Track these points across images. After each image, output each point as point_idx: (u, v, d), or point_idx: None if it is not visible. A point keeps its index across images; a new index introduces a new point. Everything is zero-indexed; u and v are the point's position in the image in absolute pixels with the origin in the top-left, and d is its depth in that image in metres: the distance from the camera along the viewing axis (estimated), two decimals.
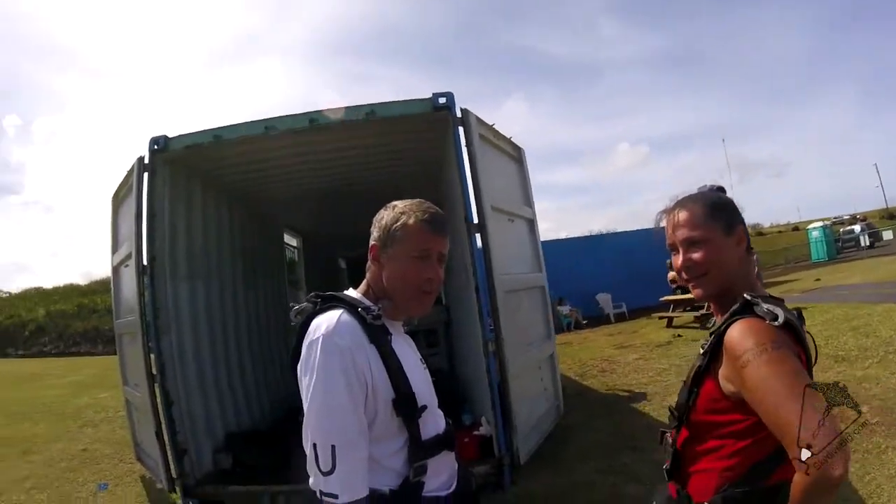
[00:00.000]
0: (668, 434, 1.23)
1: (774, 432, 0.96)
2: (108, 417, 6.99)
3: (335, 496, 1.07)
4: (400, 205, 1.25)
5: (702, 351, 1.13)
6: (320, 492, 1.08)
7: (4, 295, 23.21)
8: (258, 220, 5.76)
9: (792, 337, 1.05)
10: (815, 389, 1.03)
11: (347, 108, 3.31)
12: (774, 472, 1.03)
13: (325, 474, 1.07)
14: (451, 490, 1.26)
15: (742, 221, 1.20)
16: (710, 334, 1.12)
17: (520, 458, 3.33)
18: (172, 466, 3.59)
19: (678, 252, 1.20)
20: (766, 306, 1.05)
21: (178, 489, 3.62)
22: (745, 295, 1.08)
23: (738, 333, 1.04)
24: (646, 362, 6.75)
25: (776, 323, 1.01)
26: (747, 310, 1.07)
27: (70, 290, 22.17)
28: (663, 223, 1.25)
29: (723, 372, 1.07)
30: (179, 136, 3.62)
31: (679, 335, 8.24)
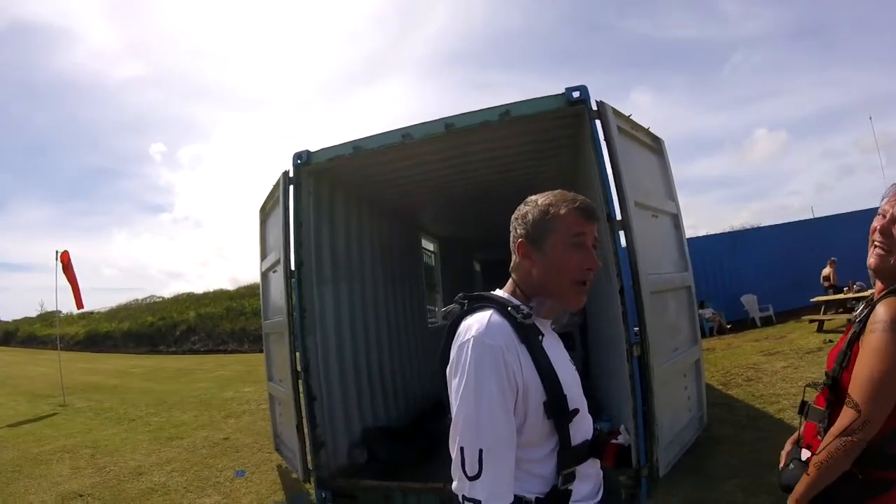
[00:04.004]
0: (814, 402, 1.36)
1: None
2: (251, 410, 7.43)
3: (478, 502, 1.02)
4: (541, 198, 1.19)
5: (857, 320, 1.25)
6: (463, 496, 1.04)
7: (159, 300, 25.12)
8: (397, 225, 5.99)
9: None
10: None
11: (482, 111, 3.30)
12: None
13: (471, 479, 1.03)
14: (598, 499, 1.18)
15: None
16: (866, 306, 1.26)
17: (658, 470, 3.09)
18: (309, 458, 3.75)
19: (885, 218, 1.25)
20: None
21: (312, 480, 3.76)
22: None
23: (883, 307, 1.18)
24: (795, 370, 6.15)
25: None
26: None
27: (219, 295, 22.76)
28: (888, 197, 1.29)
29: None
30: (321, 149, 3.83)
31: (830, 340, 7.36)
